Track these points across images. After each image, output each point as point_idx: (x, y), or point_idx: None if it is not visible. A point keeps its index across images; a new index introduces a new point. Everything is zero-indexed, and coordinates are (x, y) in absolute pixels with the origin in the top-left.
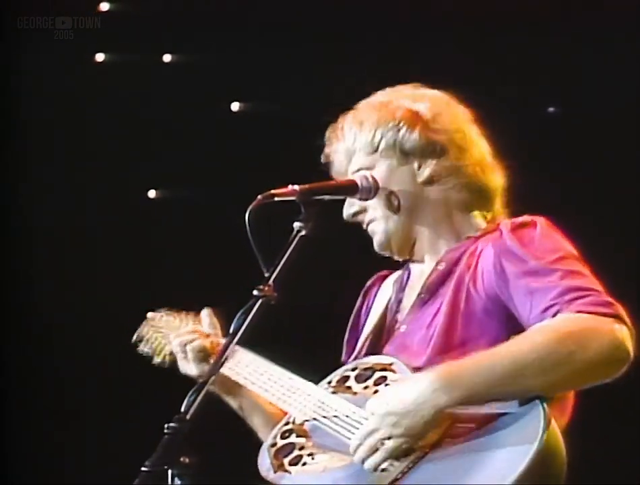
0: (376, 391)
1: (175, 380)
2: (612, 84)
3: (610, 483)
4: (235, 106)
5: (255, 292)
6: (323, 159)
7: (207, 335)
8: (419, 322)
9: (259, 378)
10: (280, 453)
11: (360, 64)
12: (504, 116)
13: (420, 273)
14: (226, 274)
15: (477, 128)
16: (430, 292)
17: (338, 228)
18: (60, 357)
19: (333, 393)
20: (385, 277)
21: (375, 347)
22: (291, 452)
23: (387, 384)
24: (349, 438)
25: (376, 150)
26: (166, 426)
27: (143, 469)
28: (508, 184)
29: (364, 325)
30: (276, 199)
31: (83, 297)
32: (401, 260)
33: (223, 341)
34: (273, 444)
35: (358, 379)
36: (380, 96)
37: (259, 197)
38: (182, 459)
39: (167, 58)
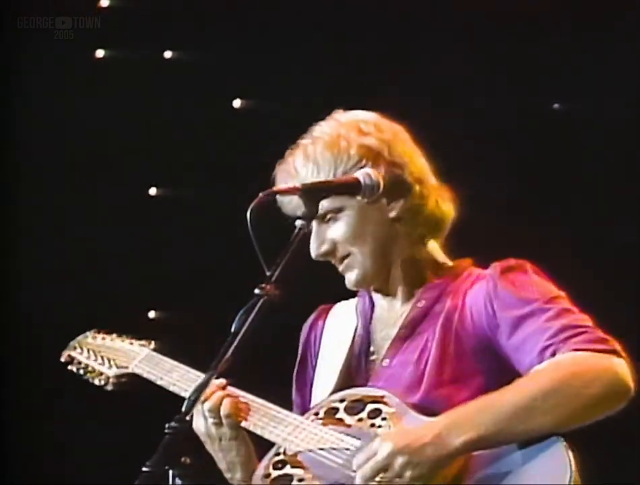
0: (372, 424)
1: None
2: (613, 84)
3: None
4: (237, 103)
5: (257, 291)
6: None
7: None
8: (404, 357)
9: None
10: (277, 483)
11: (360, 63)
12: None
13: (390, 306)
14: (227, 273)
15: (417, 147)
16: (411, 327)
17: None
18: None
19: (323, 424)
20: (328, 309)
21: (348, 380)
22: (289, 484)
23: (383, 418)
24: (355, 472)
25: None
26: (166, 426)
27: (143, 469)
28: (457, 210)
29: (315, 359)
30: (278, 196)
31: (83, 295)
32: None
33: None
34: (267, 475)
35: (349, 411)
36: (323, 131)
37: (261, 194)
38: (182, 460)
39: (168, 54)
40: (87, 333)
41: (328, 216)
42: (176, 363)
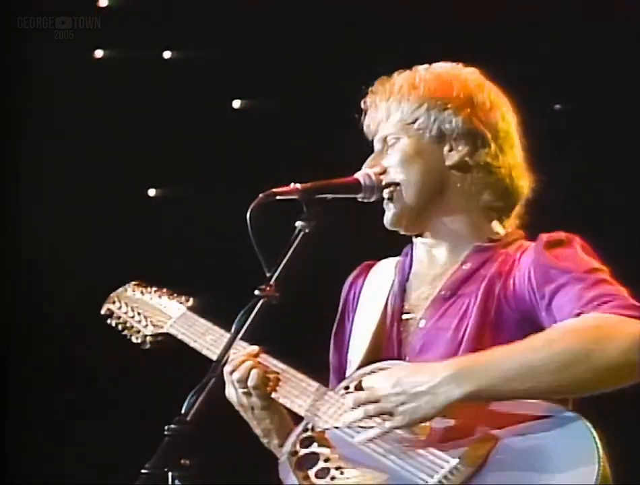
0: None
1: (175, 381)
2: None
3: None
4: (237, 104)
5: (257, 292)
6: (362, 106)
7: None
8: (442, 321)
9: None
10: (303, 463)
11: (360, 64)
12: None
13: (430, 263)
14: (228, 274)
15: (519, 133)
16: (453, 289)
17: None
18: (60, 356)
19: None
20: (371, 266)
21: (381, 340)
22: (315, 463)
23: None
24: (381, 454)
25: (414, 122)
26: (166, 427)
27: (143, 471)
28: (533, 197)
29: (353, 316)
30: (278, 197)
31: (83, 296)
32: (409, 234)
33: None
34: (294, 453)
35: None
36: (447, 68)
37: (261, 195)
38: (182, 461)
39: (167, 54)
40: (127, 286)
41: (388, 143)
42: (210, 324)
